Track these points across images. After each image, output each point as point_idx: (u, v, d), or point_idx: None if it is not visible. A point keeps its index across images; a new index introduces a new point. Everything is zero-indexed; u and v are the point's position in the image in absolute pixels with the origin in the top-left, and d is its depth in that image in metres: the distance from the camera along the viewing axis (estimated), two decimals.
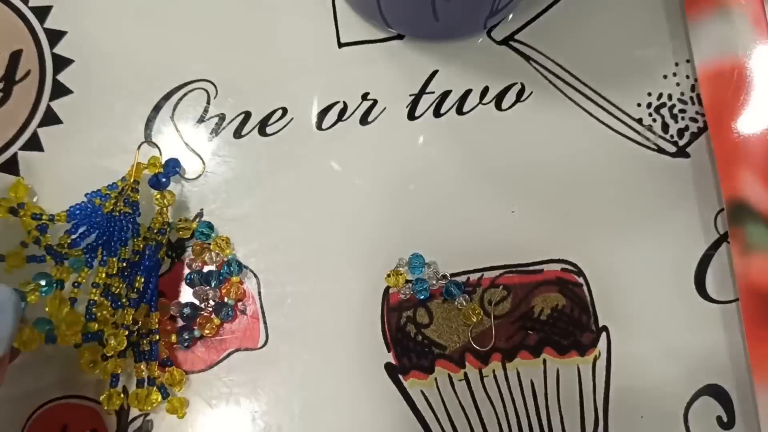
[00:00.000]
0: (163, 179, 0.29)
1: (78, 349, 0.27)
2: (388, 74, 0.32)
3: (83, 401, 0.28)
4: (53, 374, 0.28)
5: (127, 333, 0.26)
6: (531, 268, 0.30)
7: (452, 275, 0.30)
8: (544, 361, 0.29)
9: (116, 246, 0.27)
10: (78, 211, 0.28)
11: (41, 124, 0.30)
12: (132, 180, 0.28)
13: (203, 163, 0.30)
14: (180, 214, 0.30)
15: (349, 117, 0.31)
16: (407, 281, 0.29)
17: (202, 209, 0.30)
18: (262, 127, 0.31)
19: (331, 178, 0.30)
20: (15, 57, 0.31)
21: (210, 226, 0.29)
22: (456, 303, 0.29)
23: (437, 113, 0.31)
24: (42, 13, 0.31)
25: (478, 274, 0.30)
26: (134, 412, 0.28)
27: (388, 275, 0.29)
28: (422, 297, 0.29)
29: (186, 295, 0.29)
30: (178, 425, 0.28)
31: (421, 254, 0.29)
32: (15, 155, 0.30)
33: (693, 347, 0.30)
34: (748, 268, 0.30)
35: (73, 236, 0.27)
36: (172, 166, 0.29)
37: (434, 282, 0.29)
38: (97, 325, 0.26)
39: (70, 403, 0.28)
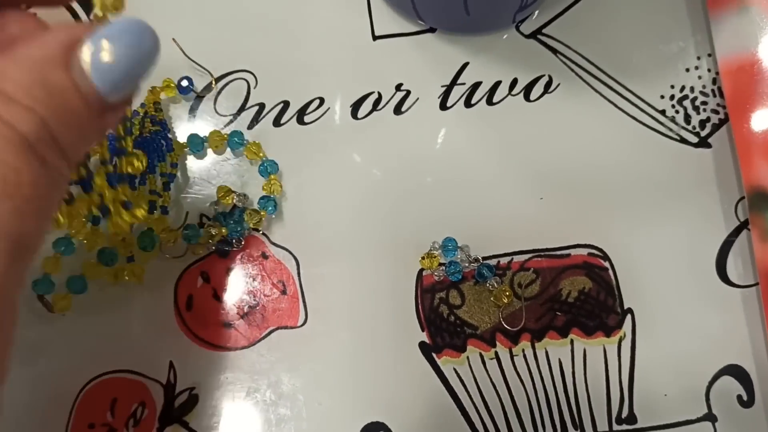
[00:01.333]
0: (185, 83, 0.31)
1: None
2: (420, 66, 0.33)
3: (132, 375, 0.29)
4: (102, 348, 0.30)
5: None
6: (558, 252, 0.31)
7: (483, 259, 0.31)
8: (572, 341, 0.30)
9: (154, 164, 0.28)
10: (109, 140, 0.28)
11: None
12: (151, 103, 0.30)
13: (212, 76, 0.32)
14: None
15: (383, 107, 0.32)
16: (440, 264, 0.31)
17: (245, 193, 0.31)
18: (300, 115, 0.32)
19: (366, 164, 0.32)
20: None
21: (240, 133, 0.31)
22: (487, 285, 0.30)
23: (468, 104, 0.33)
24: (88, 5, 0.32)
25: (508, 258, 0.31)
26: (181, 385, 0.29)
27: (423, 258, 0.30)
28: (455, 279, 0.30)
29: None
30: (224, 398, 0.29)
31: (454, 238, 0.31)
32: None
33: (714, 329, 0.31)
34: None
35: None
36: (185, 84, 0.31)
37: (466, 265, 0.30)
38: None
39: (118, 377, 0.29)
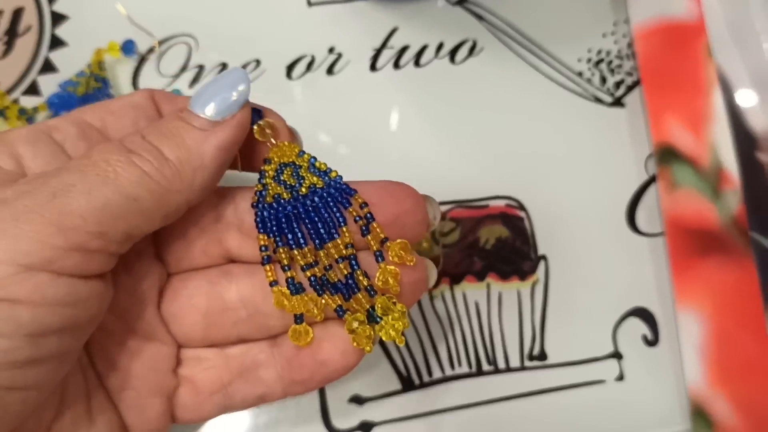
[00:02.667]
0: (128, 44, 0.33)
1: None
2: (352, 31, 0.35)
3: None
4: None
5: None
6: (478, 203, 0.33)
7: None
8: (488, 285, 0.33)
9: None
10: (56, 99, 0.31)
11: (40, 72, 0.34)
12: (95, 62, 0.32)
13: (155, 39, 0.34)
14: None
15: (316, 68, 0.35)
16: None
17: None
18: None
19: (298, 121, 0.34)
20: (17, 14, 0.34)
21: (180, 92, 0.33)
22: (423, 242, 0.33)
23: (396, 66, 0.35)
24: None
25: None
26: None
27: None
28: None
29: None
30: None
31: None
32: (17, 100, 0.34)
33: (623, 274, 0.33)
34: (673, 203, 0.33)
35: None
36: (128, 46, 0.33)
37: None
38: None
39: None
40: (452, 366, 0.32)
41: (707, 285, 0.32)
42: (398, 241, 0.24)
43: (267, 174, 0.25)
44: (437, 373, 0.32)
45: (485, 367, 0.32)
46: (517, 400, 0.31)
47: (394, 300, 0.24)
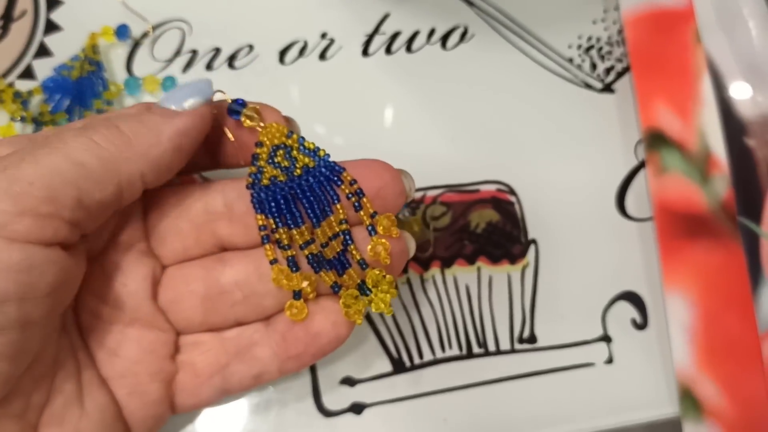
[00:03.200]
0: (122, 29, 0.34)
1: None
2: (344, 16, 0.35)
3: None
4: None
5: None
6: (468, 188, 0.34)
7: None
8: (479, 268, 0.33)
9: (89, 101, 0.31)
10: (51, 83, 0.32)
11: (35, 57, 0.34)
12: (89, 46, 0.33)
13: (149, 23, 0.34)
14: None
15: (309, 54, 0.35)
16: None
17: None
18: (231, 61, 0.35)
19: (291, 106, 0.34)
20: None
21: (174, 78, 0.34)
22: (399, 215, 0.33)
23: (388, 51, 0.35)
24: None
25: (421, 193, 0.34)
26: None
27: None
28: None
29: None
30: None
31: None
32: (12, 84, 0.34)
33: (612, 258, 0.33)
34: (662, 187, 0.33)
35: (51, 104, 0.31)
36: (122, 31, 0.33)
37: None
38: None
39: None
40: (443, 348, 0.32)
41: (695, 269, 0.32)
42: (386, 214, 0.25)
43: (260, 157, 0.26)
44: (428, 356, 0.32)
45: (476, 349, 0.32)
46: (508, 383, 0.32)
47: (384, 273, 0.25)
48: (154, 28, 0.35)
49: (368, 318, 0.32)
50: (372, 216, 0.25)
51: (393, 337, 0.32)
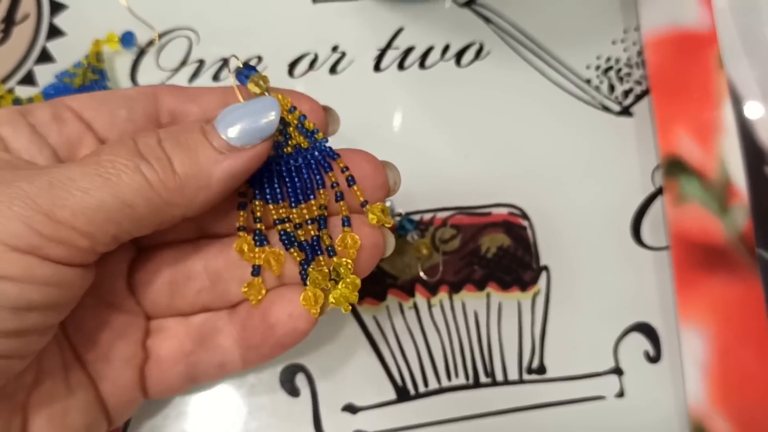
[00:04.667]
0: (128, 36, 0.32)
1: None
2: (356, 29, 0.34)
3: None
4: None
5: None
6: (480, 210, 0.33)
7: (406, 214, 0.32)
8: (488, 294, 0.32)
9: None
10: (52, 90, 0.31)
11: (37, 62, 0.33)
12: (93, 53, 0.32)
13: (155, 31, 0.33)
14: None
15: (319, 67, 0.34)
16: None
17: None
18: None
19: None
20: (15, 1, 0.33)
21: None
22: (408, 237, 0.32)
23: (401, 67, 0.34)
24: None
25: (431, 215, 0.33)
26: None
27: None
28: None
29: None
30: None
31: None
32: (12, 90, 0.33)
33: (626, 288, 0.32)
34: (680, 216, 0.32)
35: None
36: (128, 38, 0.32)
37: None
38: None
39: None
40: (449, 377, 0.31)
41: (712, 301, 0.31)
42: (378, 204, 0.24)
43: None
44: (433, 384, 0.31)
45: (483, 379, 0.31)
46: (515, 414, 0.31)
47: (350, 265, 0.24)
48: (161, 36, 0.34)
49: (372, 343, 0.31)
50: (363, 205, 0.24)
51: (398, 363, 0.31)
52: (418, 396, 0.31)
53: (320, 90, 0.33)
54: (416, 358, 0.31)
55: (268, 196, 0.24)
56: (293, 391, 0.30)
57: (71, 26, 0.33)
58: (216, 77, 0.33)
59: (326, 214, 0.24)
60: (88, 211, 0.20)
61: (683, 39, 0.34)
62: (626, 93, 0.34)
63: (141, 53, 0.33)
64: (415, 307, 0.32)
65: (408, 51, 0.34)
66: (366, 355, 0.31)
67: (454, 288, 0.32)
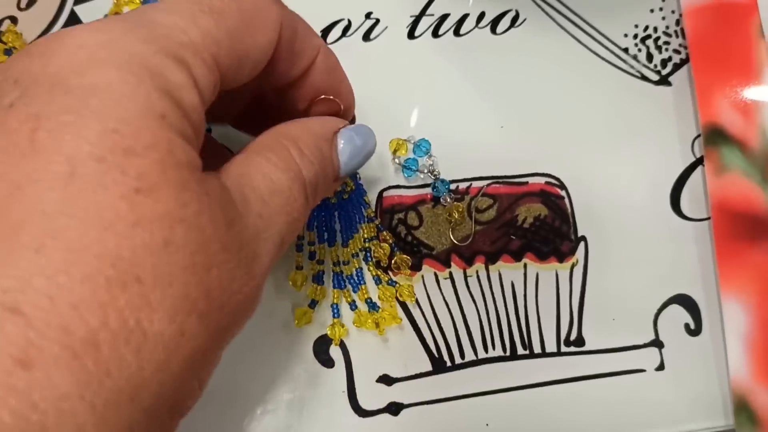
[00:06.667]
0: None
1: None
2: None
3: None
4: None
5: None
6: (517, 180, 0.32)
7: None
8: (525, 265, 0.31)
9: None
10: None
11: (65, 27, 0.32)
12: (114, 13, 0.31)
13: None
14: None
15: (352, 33, 0.33)
16: (406, 160, 0.31)
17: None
18: None
19: None
20: None
21: None
22: (441, 200, 0.31)
23: (435, 34, 0.33)
24: None
25: (467, 183, 0.32)
26: None
27: (395, 141, 0.31)
28: (406, 174, 0.31)
29: None
30: None
31: (430, 144, 0.31)
32: None
33: (665, 259, 0.31)
34: (721, 186, 0.31)
35: None
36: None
37: (425, 172, 0.31)
38: None
39: None
40: (485, 348, 0.30)
41: (754, 272, 0.31)
42: (408, 284, 0.30)
43: None
44: (470, 355, 0.30)
45: (520, 350, 0.30)
46: (552, 387, 0.30)
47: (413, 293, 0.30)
48: None
49: (407, 313, 0.30)
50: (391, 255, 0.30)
51: (434, 334, 0.30)
52: (455, 367, 0.30)
53: (353, 58, 0.33)
54: (452, 329, 0.30)
55: (326, 239, 0.30)
56: (327, 362, 0.30)
57: None
58: None
59: (369, 246, 0.30)
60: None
61: (723, 7, 0.33)
62: (665, 62, 0.34)
63: None
64: (451, 277, 0.31)
65: (443, 18, 0.33)
66: (401, 325, 0.30)
67: (491, 258, 0.31)
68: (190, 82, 0.18)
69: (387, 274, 0.30)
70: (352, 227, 0.30)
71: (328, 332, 0.29)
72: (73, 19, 0.33)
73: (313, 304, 0.30)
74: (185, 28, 0.19)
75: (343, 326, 0.30)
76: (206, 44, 0.19)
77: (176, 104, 0.18)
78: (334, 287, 0.30)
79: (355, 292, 0.30)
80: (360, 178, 0.30)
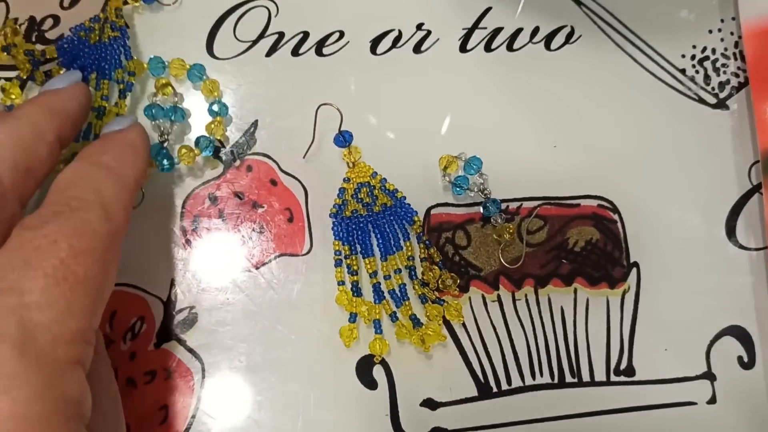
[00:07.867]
0: None
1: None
2: (442, 7, 0.33)
3: (133, 290, 0.29)
4: None
5: None
6: (568, 201, 0.31)
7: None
8: (575, 290, 0.30)
9: (109, 69, 0.29)
10: (66, 44, 0.29)
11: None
12: (112, 8, 0.30)
13: None
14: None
15: (403, 45, 0.32)
16: (456, 178, 0.30)
17: (256, 120, 0.31)
18: (319, 47, 0.32)
19: (384, 100, 0.31)
20: None
21: (202, 67, 0.30)
22: (491, 220, 0.30)
23: (488, 48, 0.32)
24: None
25: (518, 204, 0.31)
26: (181, 303, 0.29)
27: (445, 158, 0.30)
28: (456, 192, 0.30)
29: None
30: (223, 319, 0.29)
31: (482, 162, 0.30)
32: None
33: (719, 289, 0.31)
34: None
35: (65, 67, 0.29)
36: None
37: (474, 190, 0.30)
38: None
39: (120, 290, 0.29)
40: (533, 375, 0.29)
41: None
42: (457, 303, 0.29)
43: (347, 192, 0.30)
44: (517, 382, 0.29)
45: (568, 378, 0.29)
46: (601, 417, 0.29)
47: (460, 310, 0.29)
48: (238, 6, 0.32)
49: (453, 336, 0.30)
50: (439, 296, 0.29)
51: (480, 359, 0.29)
52: (501, 393, 0.29)
53: (404, 69, 0.32)
54: (499, 354, 0.30)
55: (361, 252, 0.29)
56: (370, 384, 0.29)
57: None
58: (295, 52, 0.32)
59: (414, 264, 0.29)
60: None
61: None
62: (722, 84, 0.33)
63: (217, 24, 0.32)
64: (499, 300, 0.30)
65: (496, 32, 0.32)
66: (447, 348, 0.29)
67: (540, 282, 0.30)
68: None
69: (433, 293, 0.29)
70: (391, 242, 0.29)
71: (370, 348, 0.29)
72: None
73: (354, 317, 0.29)
74: None
75: (385, 342, 0.28)
76: None
77: None
78: (375, 302, 0.29)
79: (397, 307, 0.29)
80: (403, 196, 0.30)
